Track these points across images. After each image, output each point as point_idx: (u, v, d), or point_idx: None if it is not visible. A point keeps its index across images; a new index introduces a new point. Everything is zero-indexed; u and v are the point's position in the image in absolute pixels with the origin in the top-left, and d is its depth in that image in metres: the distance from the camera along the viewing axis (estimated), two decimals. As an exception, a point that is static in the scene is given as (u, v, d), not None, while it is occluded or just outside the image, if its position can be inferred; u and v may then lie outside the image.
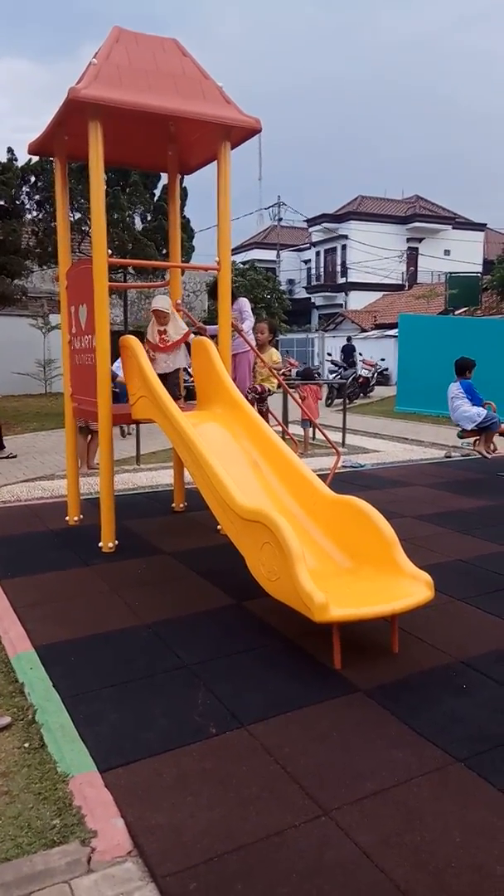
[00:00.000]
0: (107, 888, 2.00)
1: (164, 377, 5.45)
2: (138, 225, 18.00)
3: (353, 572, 3.82)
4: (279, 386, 6.74)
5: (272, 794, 2.39)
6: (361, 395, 19.84)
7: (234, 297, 6.15)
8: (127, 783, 2.47)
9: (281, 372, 8.15)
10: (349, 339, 25.84)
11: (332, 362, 23.36)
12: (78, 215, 16.54)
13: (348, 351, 23.43)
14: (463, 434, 9.85)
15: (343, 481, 7.50)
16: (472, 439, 10.44)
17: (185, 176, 6.78)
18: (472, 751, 2.64)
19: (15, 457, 9.69)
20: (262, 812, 2.30)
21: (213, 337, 5.71)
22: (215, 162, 5.40)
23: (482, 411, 9.18)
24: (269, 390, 7.07)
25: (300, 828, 2.23)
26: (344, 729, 2.80)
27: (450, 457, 9.98)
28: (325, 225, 41.51)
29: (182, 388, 6.17)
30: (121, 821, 2.27)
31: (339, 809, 2.31)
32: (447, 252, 40.92)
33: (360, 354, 23.73)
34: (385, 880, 2.01)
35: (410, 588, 3.48)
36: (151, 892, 1.98)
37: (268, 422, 5.46)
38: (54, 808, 2.35)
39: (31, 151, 5.78)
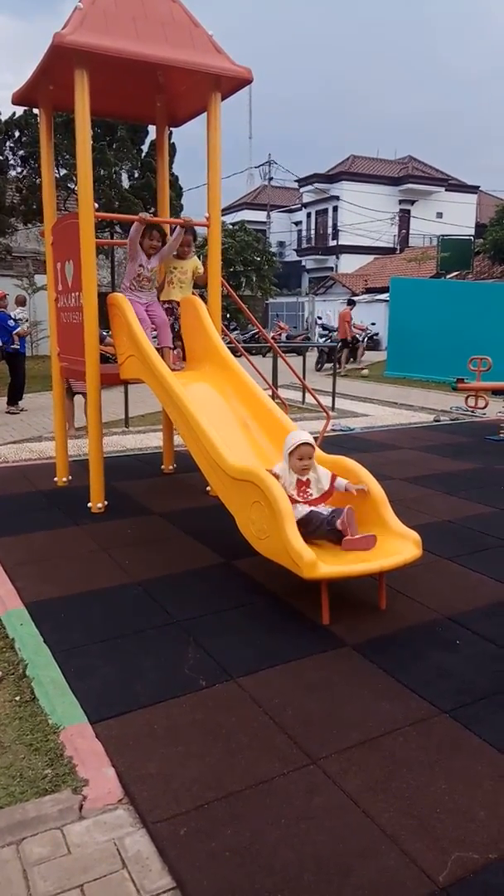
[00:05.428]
0: (98, 834, 2.04)
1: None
2: (125, 182, 17.57)
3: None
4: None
5: (261, 744, 2.43)
6: (352, 359, 19.74)
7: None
8: (118, 734, 2.50)
9: (272, 336, 7.95)
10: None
11: (322, 326, 23.11)
12: (63, 171, 16.12)
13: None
14: (457, 385, 9.79)
15: (333, 444, 7.50)
16: (465, 395, 10.45)
17: (174, 129, 6.59)
18: (457, 703, 2.70)
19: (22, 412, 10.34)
20: (252, 761, 2.34)
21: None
22: (204, 115, 5.26)
23: None
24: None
25: (288, 775, 2.27)
26: (332, 681, 2.84)
27: (438, 421, 10.00)
28: (316, 185, 40.73)
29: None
30: (112, 770, 2.31)
31: (326, 758, 2.36)
32: (440, 215, 40.39)
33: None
34: (371, 825, 2.06)
35: (399, 546, 3.51)
36: (142, 837, 2.03)
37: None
38: (46, 758, 2.39)
39: (15, 102, 5.58)
